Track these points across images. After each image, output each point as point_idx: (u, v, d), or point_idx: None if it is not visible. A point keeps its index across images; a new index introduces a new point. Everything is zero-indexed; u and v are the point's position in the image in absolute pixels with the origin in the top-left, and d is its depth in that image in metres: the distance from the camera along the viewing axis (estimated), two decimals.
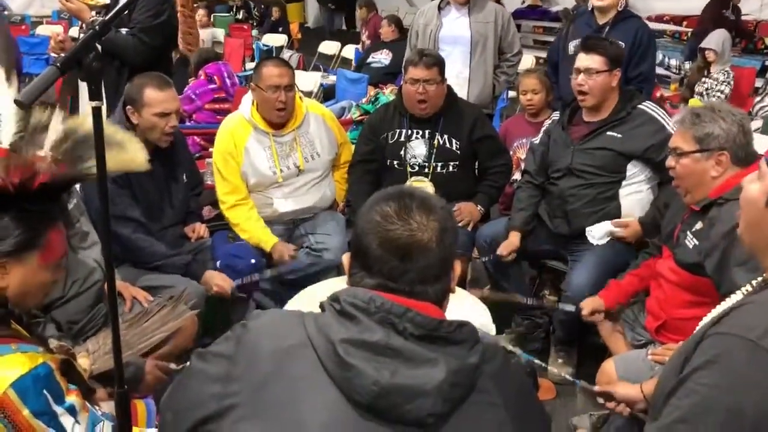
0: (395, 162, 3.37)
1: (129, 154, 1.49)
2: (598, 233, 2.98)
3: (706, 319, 1.42)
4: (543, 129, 3.28)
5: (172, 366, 2.02)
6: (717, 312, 1.39)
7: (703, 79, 5.93)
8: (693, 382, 1.27)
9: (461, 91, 3.93)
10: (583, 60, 2.97)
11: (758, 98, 5.74)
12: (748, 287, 1.42)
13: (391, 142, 3.37)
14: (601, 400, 1.96)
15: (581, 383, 2.01)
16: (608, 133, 2.95)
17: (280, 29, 10.72)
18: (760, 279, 1.40)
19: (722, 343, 1.26)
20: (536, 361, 2.20)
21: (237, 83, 5.06)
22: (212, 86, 4.80)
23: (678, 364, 1.35)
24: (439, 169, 3.33)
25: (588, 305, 2.63)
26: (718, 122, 2.20)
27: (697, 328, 1.42)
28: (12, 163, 1.39)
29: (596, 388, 1.98)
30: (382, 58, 7.27)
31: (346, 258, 1.27)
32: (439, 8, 4.16)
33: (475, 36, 4.08)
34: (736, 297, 1.42)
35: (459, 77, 4.07)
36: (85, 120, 1.40)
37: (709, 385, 1.25)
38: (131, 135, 1.51)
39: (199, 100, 4.76)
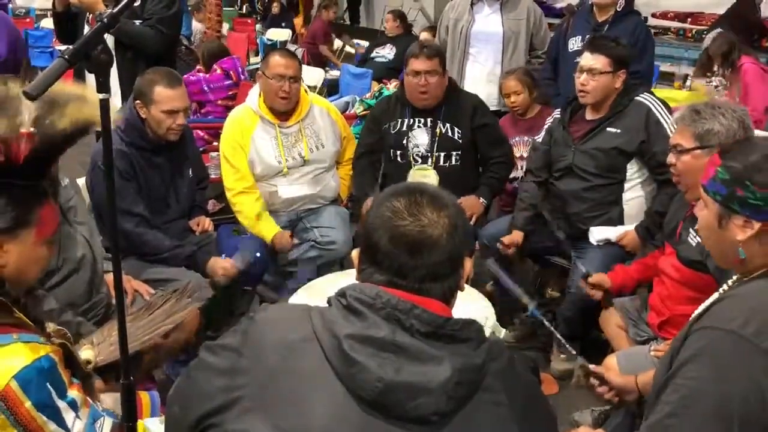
0: (398, 153, 3.37)
1: (90, 104, 1.39)
2: (599, 235, 2.98)
3: (692, 317, 1.45)
4: (545, 127, 3.27)
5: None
6: (700, 309, 1.43)
7: (704, 79, 5.72)
8: (680, 377, 1.31)
9: (493, 89, 3.92)
10: (588, 60, 2.95)
11: None
12: (725, 286, 1.47)
13: (393, 132, 3.37)
14: (595, 382, 1.97)
15: (581, 359, 2.02)
16: (608, 129, 2.94)
17: (283, 24, 10.69)
18: (735, 277, 1.47)
19: (705, 337, 1.30)
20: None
21: (247, 78, 5.08)
22: (228, 82, 4.82)
23: (667, 362, 1.38)
24: (442, 161, 3.32)
25: (594, 278, 2.64)
26: (718, 119, 2.18)
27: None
28: None
29: (593, 366, 1.99)
30: (385, 53, 7.27)
31: (355, 254, 1.25)
32: (471, 4, 4.10)
33: (507, 33, 4.02)
34: (716, 295, 1.46)
35: (491, 74, 4.04)
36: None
37: (696, 378, 1.28)
38: (88, 87, 1.43)
39: (212, 95, 4.79)
